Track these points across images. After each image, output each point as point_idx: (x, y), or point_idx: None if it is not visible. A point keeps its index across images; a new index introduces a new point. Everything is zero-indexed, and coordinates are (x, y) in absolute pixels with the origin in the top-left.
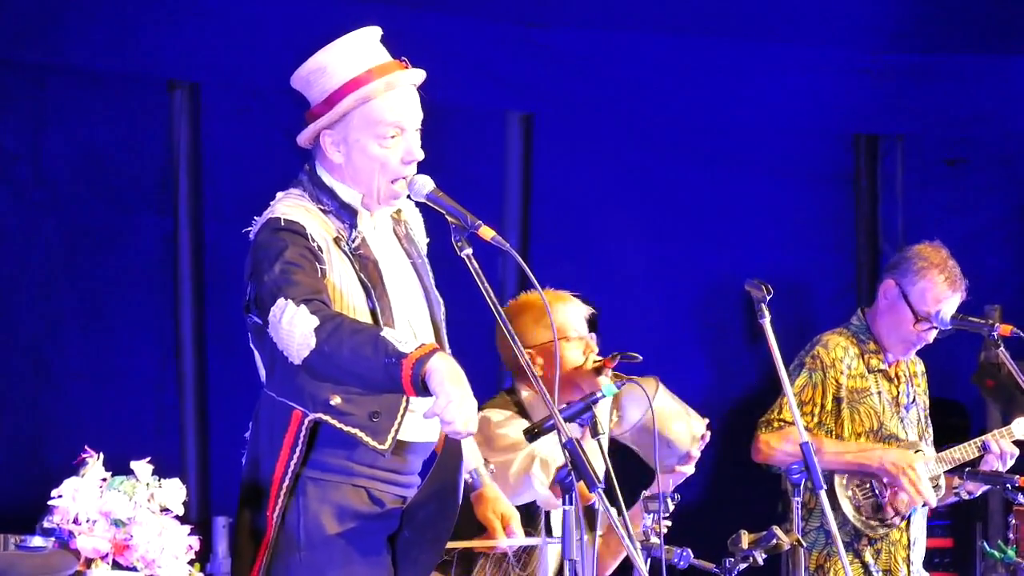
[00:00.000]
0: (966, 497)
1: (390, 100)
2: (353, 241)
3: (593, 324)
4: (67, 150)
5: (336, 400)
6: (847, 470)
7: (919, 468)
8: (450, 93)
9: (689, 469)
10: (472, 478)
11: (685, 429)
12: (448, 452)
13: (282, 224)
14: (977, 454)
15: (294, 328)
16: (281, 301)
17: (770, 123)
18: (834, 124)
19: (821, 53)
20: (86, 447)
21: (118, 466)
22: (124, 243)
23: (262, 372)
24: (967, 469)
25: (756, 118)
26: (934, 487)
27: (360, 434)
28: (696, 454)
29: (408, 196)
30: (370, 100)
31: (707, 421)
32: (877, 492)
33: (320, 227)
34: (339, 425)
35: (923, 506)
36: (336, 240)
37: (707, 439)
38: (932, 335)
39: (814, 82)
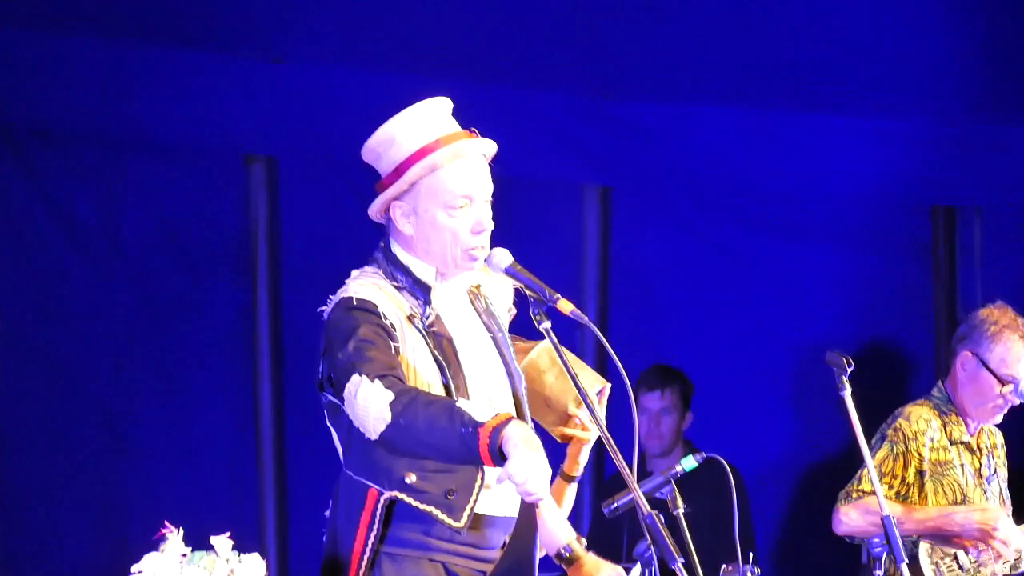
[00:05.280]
0: None
1: (458, 169)
2: (427, 318)
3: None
4: (144, 222)
5: (411, 478)
6: (929, 534)
7: (1004, 524)
8: (528, 166)
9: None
10: (567, 551)
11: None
12: (523, 524)
13: (355, 303)
14: None
15: (369, 404)
16: (356, 377)
17: (848, 194)
18: (912, 195)
19: (898, 124)
20: (165, 522)
21: (197, 540)
22: (201, 315)
23: (340, 450)
24: None
25: (834, 189)
26: (1017, 560)
27: (436, 511)
28: (575, 411)
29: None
30: (437, 169)
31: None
32: (961, 565)
33: (393, 305)
34: (414, 503)
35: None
36: (410, 318)
37: (605, 394)
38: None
39: (892, 153)
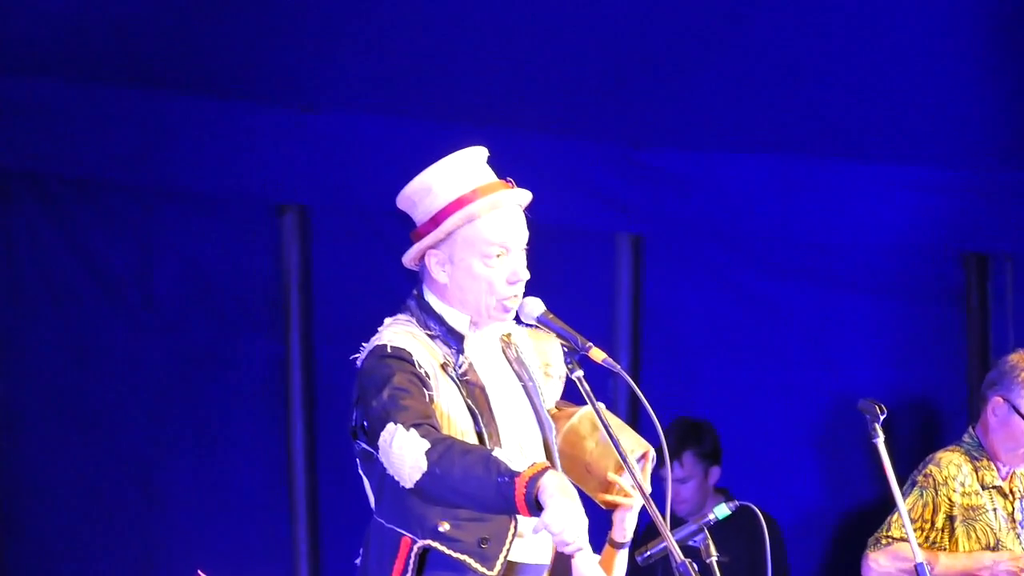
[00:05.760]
0: None
1: (495, 219)
2: (460, 367)
3: (710, 455)
4: (176, 273)
5: (445, 526)
6: None
7: None
8: (559, 215)
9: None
10: None
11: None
12: (556, 571)
13: (389, 351)
14: None
15: (405, 452)
16: (391, 426)
17: (879, 242)
18: (944, 243)
19: (929, 172)
20: (199, 572)
21: None
22: (234, 367)
23: (371, 498)
24: None
25: (865, 237)
26: None
27: (469, 560)
28: (614, 478)
29: (517, 319)
30: (475, 219)
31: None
32: None
33: (427, 353)
34: (448, 551)
35: None
36: (443, 366)
37: (646, 460)
38: None
39: (923, 201)
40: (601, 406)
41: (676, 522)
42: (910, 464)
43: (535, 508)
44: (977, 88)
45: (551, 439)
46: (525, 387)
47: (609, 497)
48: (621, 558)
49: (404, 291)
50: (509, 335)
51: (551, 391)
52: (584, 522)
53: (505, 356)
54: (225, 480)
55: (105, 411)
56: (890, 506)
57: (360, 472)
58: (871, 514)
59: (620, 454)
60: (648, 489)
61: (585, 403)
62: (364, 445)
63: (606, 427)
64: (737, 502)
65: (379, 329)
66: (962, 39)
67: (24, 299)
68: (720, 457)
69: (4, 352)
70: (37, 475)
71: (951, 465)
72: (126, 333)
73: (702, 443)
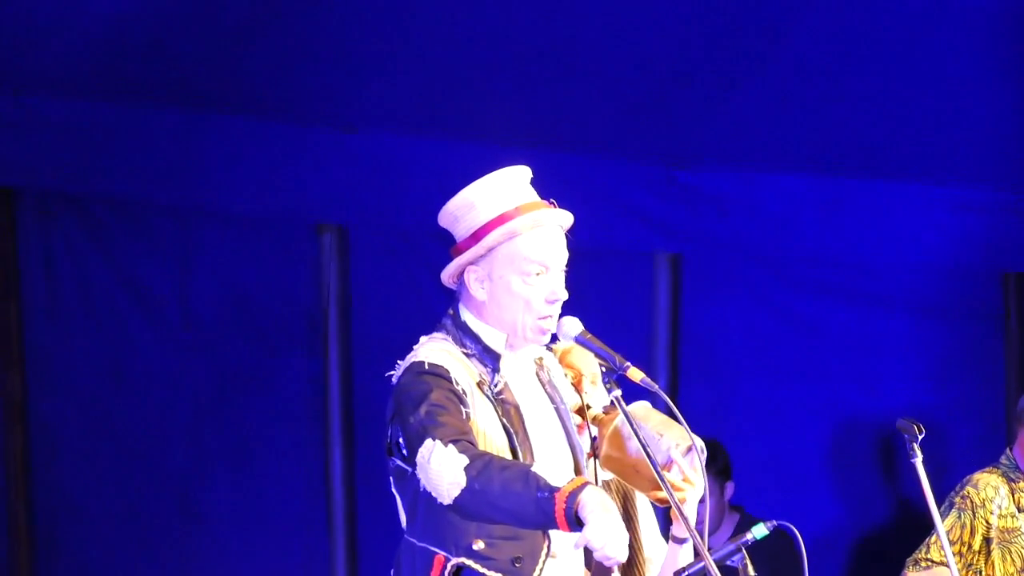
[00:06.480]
0: None
1: (536, 238)
2: (496, 385)
3: (723, 472)
4: (215, 292)
5: (479, 545)
6: None
7: None
8: (598, 234)
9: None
10: None
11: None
12: None
13: (426, 367)
14: None
15: (443, 469)
16: (429, 442)
17: (917, 262)
18: (982, 263)
19: (968, 192)
20: None
21: None
22: (272, 385)
23: (403, 517)
24: None
25: (903, 257)
26: None
27: None
28: (678, 458)
29: (551, 342)
30: (516, 236)
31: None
32: None
33: (463, 371)
34: (482, 570)
35: None
36: (479, 384)
37: (694, 451)
38: None
39: (961, 221)
40: (645, 405)
41: None
42: (940, 483)
43: (575, 524)
44: (1017, 109)
45: (582, 462)
46: (558, 410)
47: (660, 494)
48: (685, 552)
49: (442, 310)
50: (542, 359)
51: (598, 398)
52: (625, 536)
53: (539, 378)
54: (263, 498)
55: (144, 430)
56: (912, 524)
57: (393, 490)
58: (892, 532)
59: (649, 458)
60: (702, 475)
61: (630, 403)
62: (399, 462)
63: (637, 436)
64: (774, 522)
65: (415, 347)
66: (1002, 59)
67: (63, 318)
68: (731, 472)
69: (43, 370)
70: (75, 493)
71: (988, 487)
72: (165, 352)
73: (715, 461)
